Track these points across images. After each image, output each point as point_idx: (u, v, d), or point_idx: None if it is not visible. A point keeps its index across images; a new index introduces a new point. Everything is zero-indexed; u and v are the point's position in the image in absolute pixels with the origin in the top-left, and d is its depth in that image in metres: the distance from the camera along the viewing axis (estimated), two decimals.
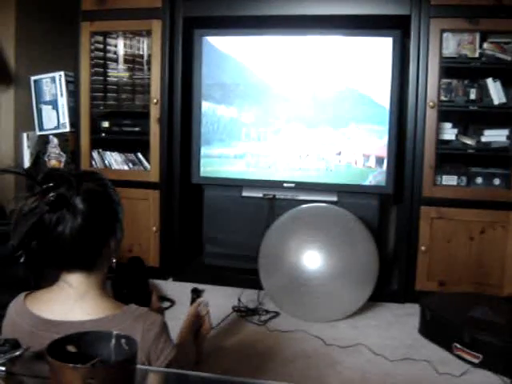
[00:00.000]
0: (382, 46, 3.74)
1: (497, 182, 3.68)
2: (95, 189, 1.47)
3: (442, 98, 3.68)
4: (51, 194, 1.38)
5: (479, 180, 3.71)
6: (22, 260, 1.42)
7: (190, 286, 3.83)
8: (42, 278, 1.49)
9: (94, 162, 4.23)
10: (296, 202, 3.78)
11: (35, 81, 4.37)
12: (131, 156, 4.22)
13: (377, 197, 3.88)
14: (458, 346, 2.97)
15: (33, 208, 1.38)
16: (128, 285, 2.92)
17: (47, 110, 4.38)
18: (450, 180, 3.71)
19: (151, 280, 4.00)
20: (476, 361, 2.88)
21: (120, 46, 4.39)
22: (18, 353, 1.23)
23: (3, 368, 1.20)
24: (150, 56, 4.10)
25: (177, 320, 2.04)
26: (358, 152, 3.85)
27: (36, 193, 1.40)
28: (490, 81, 3.61)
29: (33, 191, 1.40)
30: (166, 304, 3.66)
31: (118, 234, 1.52)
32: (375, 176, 3.84)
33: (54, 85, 4.35)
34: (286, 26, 3.95)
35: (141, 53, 4.36)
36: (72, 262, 1.45)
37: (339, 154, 3.88)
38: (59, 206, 1.38)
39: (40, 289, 1.51)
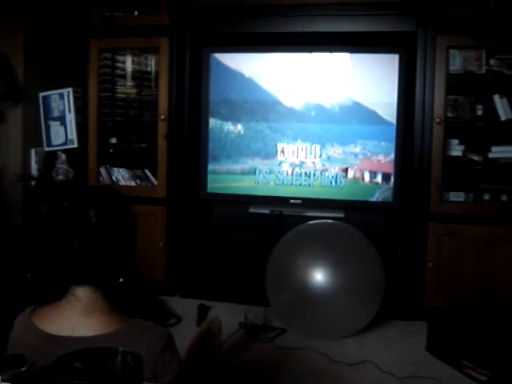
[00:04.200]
0: (389, 63, 3.75)
1: (504, 198, 3.66)
2: (110, 204, 1.47)
3: (449, 114, 3.68)
4: (64, 204, 1.39)
5: (487, 196, 3.70)
6: (29, 275, 1.42)
7: (196, 302, 3.83)
8: (49, 292, 1.49)
9: (101, 178, 4.24)
10: (303, 218, 3.77)
11: (43, 97, 4.39)
12: (138, 172, 4.23)
13: (384, 213, 3.87)
14: (467, 363, 2.94)
15: (45, 216, 1.38)
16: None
17: (55, 126, 4.40)
18: (457, 196, 3.70)
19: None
20: (484, 378, 2.85)
21: (128, 63, 4.41)
22: (23, 368, 1.23)
23: None
24: (157, 73, 4.13)
25: (183, 336, 2.02)
26: (365, 168, 3.84)
27: (50, 202, 1.40)
28: (496, 97, 3.61)
29: (46, 201, 1.41)
30: (173, 320, 3.64)
31: (128, 252, 1.51)
32: (382, 192, 3.84)
33: (62, 101, 4.37)
34: (294, 42, 3.97)
35: (149, 69, 4.39)
36: (80, 274, 1.45)
37: (346, 170, 3.88)
38: (71, 216, 1.38)
39: (46, 303, 1.51)
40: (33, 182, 4.20)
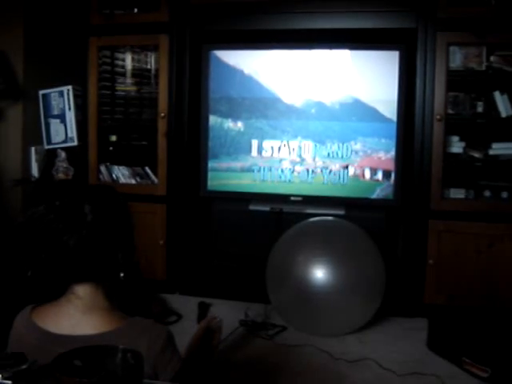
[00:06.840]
0: (389, 60, 3.74)
1: (505, 194, 3.66)
2: (104, 201, 1.47)
3: (449, 111, 3.68)
4: (57, 203, 1.39)
5: (487, 193, 3.69)
6: (29, 273, 1.42)
7: (196, 299, 3.83)
8: (49, 290, 1.49)
9: (101, 176, 4.23)
10: (303, 215, 3.77)
11: (43, 95, 4.39)
12: (139, 170, 4.23)
13: (384, 210, 3.87)
14: (467, 360, 2.94)
15: (40, 216, 1.38)
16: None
17: (55, 124, 4.40)
18: (457, 193, 3.70)
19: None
20: (485, 375, 2.86)
21: (128, 61, 4.40)
22: (24, 366, 1.23)
23: (9, 382, 1.19)
24: (157, 70, 4.12)
25: (184, 334, 2.03)
26: (366, 165, 3.84)
27: (45, 201, 1.40)
28: (497, 94, 3.61)
29: (41, 201, 1.41)
30: (173, 318, 3.64)
31: (126, 248, 1.51)
32: (383, 189, 3.84)
33: (62, 99, 4.37)
34: (294, 39, 3.97)
35: (148, 67, 4.37)
36: (78, 272, 1.44)
37: (346, 167, 3.88)
38: (65, 214, 1.38)
39: (47, 302, 1.51)
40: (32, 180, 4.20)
